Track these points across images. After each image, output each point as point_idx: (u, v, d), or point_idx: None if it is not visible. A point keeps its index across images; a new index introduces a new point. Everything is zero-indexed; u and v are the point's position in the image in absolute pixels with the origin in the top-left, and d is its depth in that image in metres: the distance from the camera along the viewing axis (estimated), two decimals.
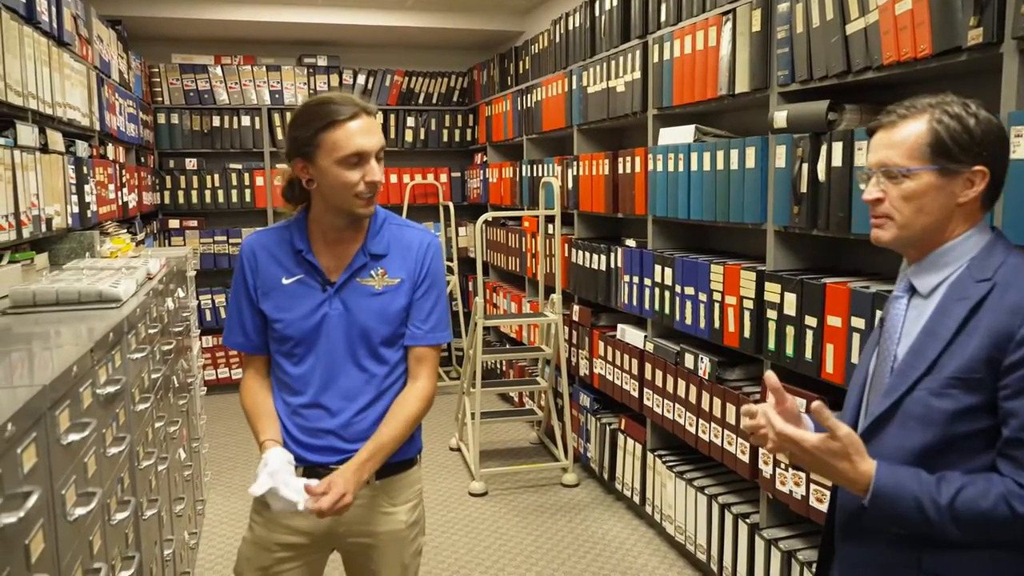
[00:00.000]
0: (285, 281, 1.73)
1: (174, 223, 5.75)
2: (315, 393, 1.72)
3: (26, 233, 2.42)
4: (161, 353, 2.54)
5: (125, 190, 4.23)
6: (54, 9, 2.99)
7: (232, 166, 5.85)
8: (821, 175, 2.31)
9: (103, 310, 2.01)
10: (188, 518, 2.95)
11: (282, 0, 5.18)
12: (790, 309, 2.45)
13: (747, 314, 2.67)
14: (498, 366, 5.44)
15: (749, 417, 1.36)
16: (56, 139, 2.86)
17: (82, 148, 3.30)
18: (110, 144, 3.98)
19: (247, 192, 5.84)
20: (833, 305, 2.26)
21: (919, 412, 1.28)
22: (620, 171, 3.61)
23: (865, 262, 2.59)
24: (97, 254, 3.05)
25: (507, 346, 5.30)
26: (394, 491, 1.77)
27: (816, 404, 1.24)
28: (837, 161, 2.24)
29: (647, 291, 3.35)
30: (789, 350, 2.46)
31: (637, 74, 3.41)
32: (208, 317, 5.75)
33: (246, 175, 5.83)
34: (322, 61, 5.98)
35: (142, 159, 5.14)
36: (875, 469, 1.26)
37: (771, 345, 2.55)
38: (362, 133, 1.61)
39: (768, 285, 2.55)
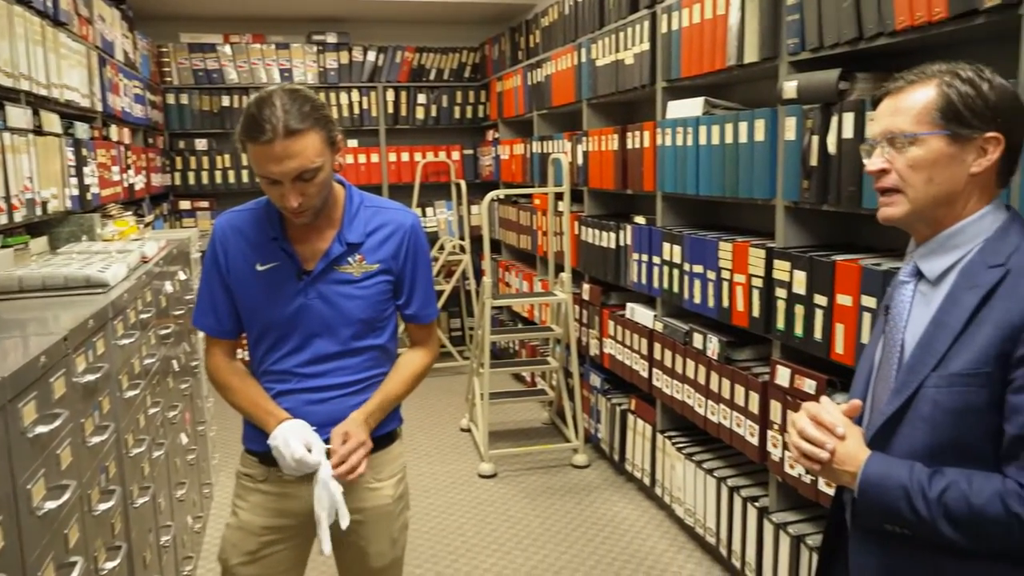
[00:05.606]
0: (260, 268, 1.67)
1: (185, 204, 5.73)
2: (296, 381, 1.68)
3: (18, 217, 2.38)
4: (158, 337, 2.51)
5: (131, 172, 4.20)
6: None
7: None
8: (832, 147, 2.21)
9: (91, 295, 1.97)
10: (192, 502, 2.94)
11: None
12: (799, 287, 2.36)
13: (756, 293, 2.59)
14: (511, 346, 5.38)
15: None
16: (52, 121, 2.82)
17: (82, 130, 3.26)
18: (113, 125, 3.94)
19: None
20: (843, 283, 2.17)
21: (927, 411, 1.18)
22: (629, 146, 3.51)
23: (878, 238, 2.49)
24: (98, 237, 3.02)
25: (519, 325, 5.24)
26: (379, 466, 1.75)
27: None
28: (848, 132, 2.14)
29: (656, 269, 3.27)
30: (798, 330, 2.37)
31: (646, 45, 3.30)
32: None
33: None
34: (331, 38, 5.89)
35: (150, 140, 5.11)
36: (866, 458, 1.19)
37: (780, 325, 2.46)
38: (272, 159, 1.51)
39: (777, 263, 2.46)
